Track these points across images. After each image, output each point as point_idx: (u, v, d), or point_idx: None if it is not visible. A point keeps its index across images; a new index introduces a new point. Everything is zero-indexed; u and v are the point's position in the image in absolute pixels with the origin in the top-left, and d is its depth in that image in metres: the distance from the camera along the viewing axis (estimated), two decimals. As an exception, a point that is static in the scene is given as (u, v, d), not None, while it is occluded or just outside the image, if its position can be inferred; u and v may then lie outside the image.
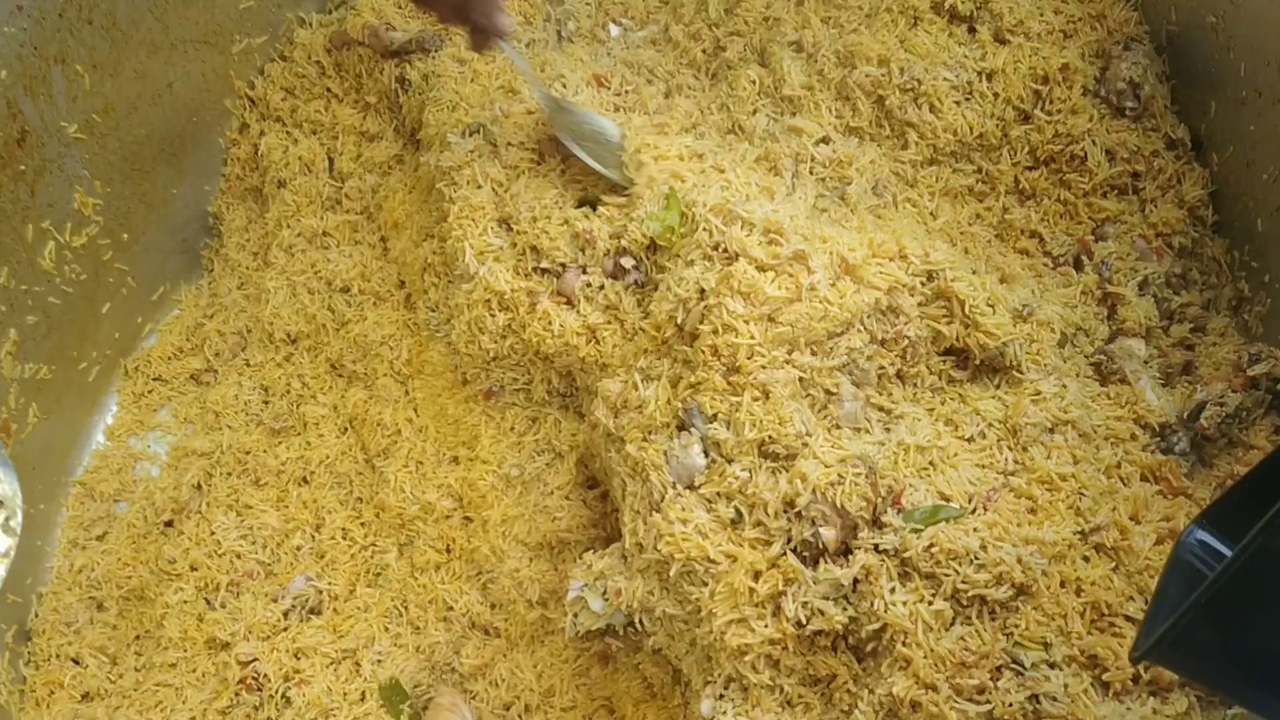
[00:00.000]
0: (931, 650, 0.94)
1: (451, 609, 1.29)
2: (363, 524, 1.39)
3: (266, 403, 1.51)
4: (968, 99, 1.22)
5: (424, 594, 1.31)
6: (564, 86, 1.34)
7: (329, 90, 1.54)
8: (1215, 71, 1.16)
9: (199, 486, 1.44)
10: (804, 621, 0.98)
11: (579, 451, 1.25)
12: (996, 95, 1.22)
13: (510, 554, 1.25)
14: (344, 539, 1.38)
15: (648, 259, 1.18)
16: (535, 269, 1.21)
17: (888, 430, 1.05)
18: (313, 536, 1.40)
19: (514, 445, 1.27)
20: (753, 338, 1.04)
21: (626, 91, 1.37)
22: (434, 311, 1.33)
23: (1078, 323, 1.13)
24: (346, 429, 1.44)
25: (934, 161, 1.24)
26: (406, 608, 1.31)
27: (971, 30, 1.24)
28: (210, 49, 1.50)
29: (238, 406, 1.51)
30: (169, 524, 1.43)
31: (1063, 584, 0.96)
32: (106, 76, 1.39)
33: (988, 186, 1.25)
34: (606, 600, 1.08)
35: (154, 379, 1.56)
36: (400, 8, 1.51)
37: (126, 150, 1.46)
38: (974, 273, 1.11)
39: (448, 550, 1.31)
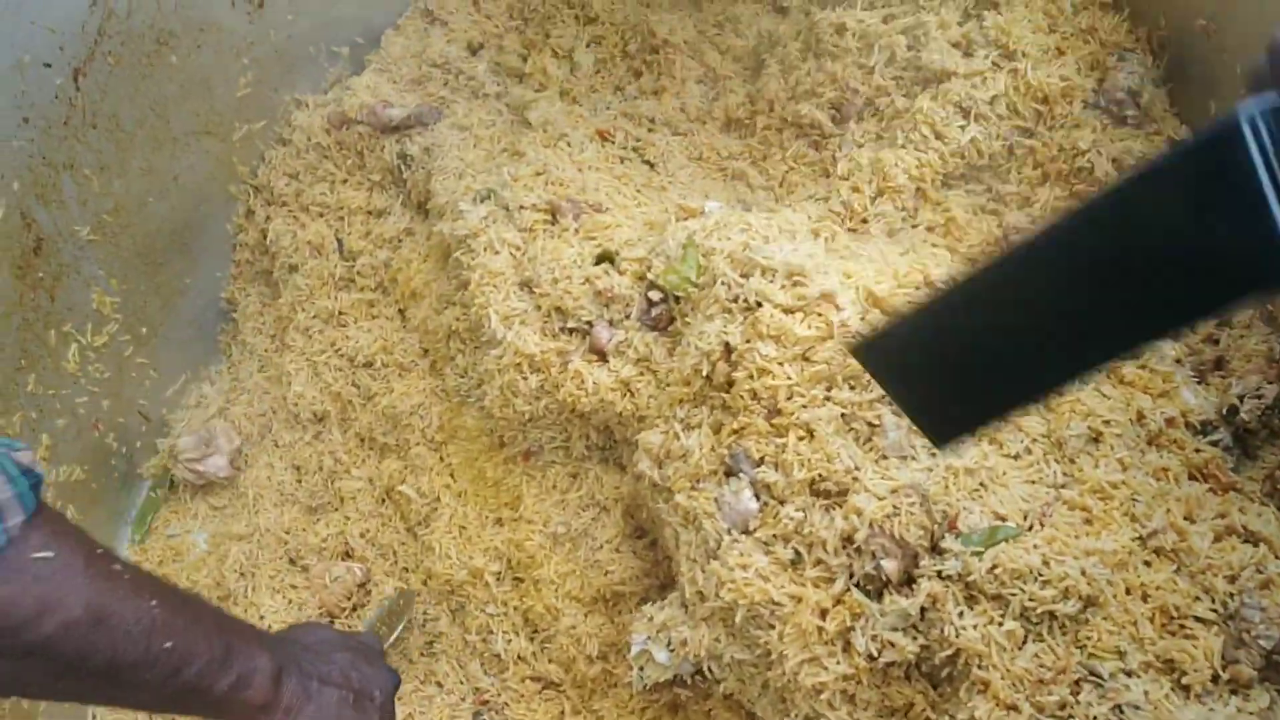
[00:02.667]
0: (1008, 670, 0.94)
1: (510, 668, 1.29)
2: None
3: (300, 481, 1.51)
4: (974, 121, 1.23)
5: (480, 658, 1.31)
6: (569, 144, 1.36)
7: (332, 172, 1.55)
8: (1210, 72, 1.18)
9: (242, 573, 1.44)
10: (876, 654, 0.98)
11: (624, 503, 1.25)
12: (1000, 117, 1.24)
13: (565, 611, 1.25)
14: (393, 613, 1.39)
15: (673, 304, 1.19)
16: (562, 329, 1.22)
17: (933, 455, 1.06)
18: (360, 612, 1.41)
19: (558, 503, 1.28)
20: (790, 379, 1.05)
21: (632, 146, 1.38)
22: (463, 378, 1.34)
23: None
24: (384, 500, 1.45)
25: (946, 185, 1.25)
26: (465, 673, 1.32)
27: (968, 55, 1.26)
28: (212, 138, 1.52)
29: (271, 488, 1.52)
30: (216, 614, 1.43)
31: (1128, 591, 0.97)
32: (114, 177, 1.40)
33: (999, 204, 1.26)
34: (672, 651, 1.09)
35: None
36: (395, 84, 1.53)
37: (139, 246, 1.47)
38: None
39: (502, 612, 1.31)
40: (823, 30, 1.36)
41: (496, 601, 1.31)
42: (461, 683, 1.33)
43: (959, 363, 0.73)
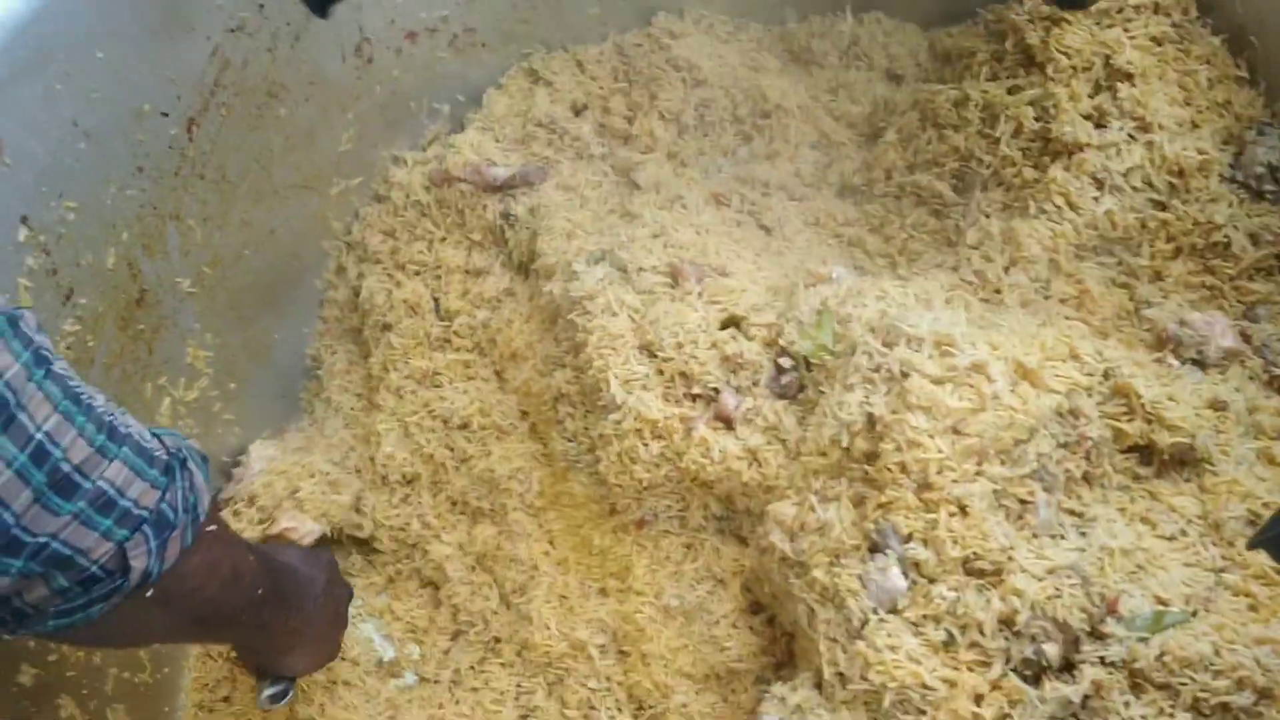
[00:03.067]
0: (1183, 764, 0.90)
1: (616, 750, 1.24)
2: (504, 665, 1.34)
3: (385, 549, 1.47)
4: (1108, 193, 1.21)
5: (582, 736, 1.26)
6: (684, 208, 1.34)
7: (430, 230, 1.52)
8: (1353, 146, 1.17)
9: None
10: (1035, 745, 0.94)
11: (742, 577, 1.21)
12: (1134, 189, 1.21)
13: (676, 689, 1.20)
14: (486, 686, 1.34)
15: (804, 371, 1.16)
16: (686, 395, 1.19)
17: (1083, 534, 1.02)
18: (450, 686, 1.36)
19: (672, 575, 1.24)
20: (940, 452, 1.01)
21: (748, 210, 1.36)
22: (572, 442, 1.30)
23: (1254, 408, 1.11)
24: (474, 568, 1.40)
25: (1079, 257, 1.23)
26: (565, 753, 1.27)
27: (1100, 126, 1.24)
28: (310, 193, 1.50)
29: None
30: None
31: (1302, 684, 0.93)
32: (215, 229, 1.38)
33: (1131, 278, 1.24)
34: (808, 735, 1.04)
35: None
36: (498, 142, 1.51)
37: (233, 299, 1.45)
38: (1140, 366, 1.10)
39: (605, 687, 1.26)
40: (942, 102, 1.35)
41: (600, 676, 1.26)
42: (560, 759, 1.28)
43: None
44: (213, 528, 0.88)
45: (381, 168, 1.56)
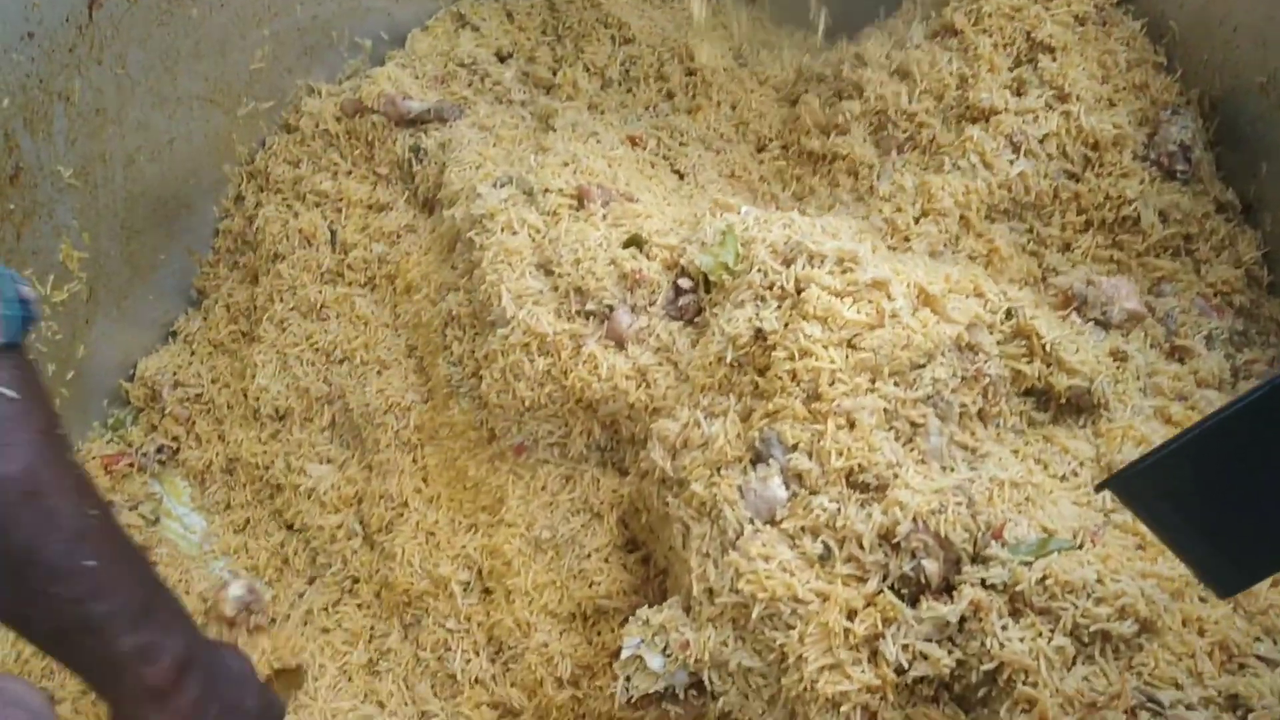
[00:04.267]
0: (1057, 689, 0.84)
1: (464, 691, 1.15)
2: (360, 606, 1.25)
3: (244, 484, 1.39)
4: (1023, 157, 1.20)
5: (432, 679, 1.17)
6: (598, 142, 1.30)
7: (336, 162, 1.47)
8: (1265, 132, 1.17)
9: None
10: (906, 666, 0.88)
11: (620, 509, 1.14)
12: (1049, 156, 1.21)
13: (539, 627, 1.13)
14: (339, 627, 1.25)
15: (703, 293, 1.11)
16: (580, 311, 1.14)
17: (974, 469, 0.98)
18: (300, 627, 1.26)
19: (546, 505, 1.16)
20: (834, 363, 0.97)
21: (663, 155, 1.33)
22: (456, 366, 1.24)
23: (1154, 370, 1.09)
24: (338, 508, 1.32)
25: (990, 218, 1.21)
26: (412, 694, 1.17)
27: (1019, 95, 1.24)
28: (215, 108, 1.44)
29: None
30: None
31: (1184, 623, 0.88)
32: (109, 122, 1.31)
33: (1041, 246, 1.22)
34: (669, 656, 0.96)
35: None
36: (417, 79, 1.48)
37: (118, 205, 1.37)
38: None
39: (464, 628, 1.18)
40: (864, 69, 1.34)
41: (459, 615, 1.18)
42: (406, 704, 1.18)
43: (1239, 501, 0.68)
44: (7, 391, 0.72)
45: (295, 96, 1.51)
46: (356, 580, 1.27)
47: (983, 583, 0.89)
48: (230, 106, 1.46)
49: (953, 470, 0.97)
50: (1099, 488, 0.74)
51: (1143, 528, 0.94)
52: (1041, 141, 1.21)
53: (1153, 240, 1.20)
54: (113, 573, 0.76)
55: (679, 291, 1.12)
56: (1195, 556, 0.72)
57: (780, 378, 0.98)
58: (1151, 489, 0.70)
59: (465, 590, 1.19)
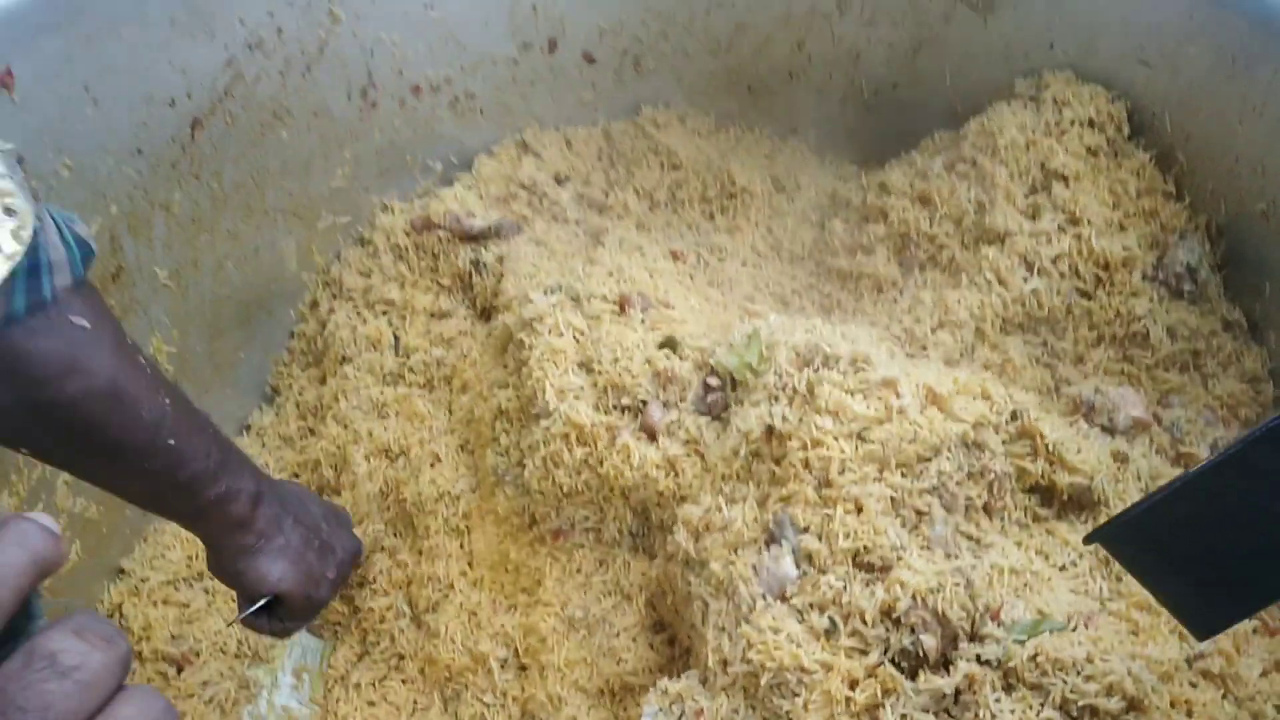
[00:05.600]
0: (1046, 761, 0.89)
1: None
2: (405, 681, 1.32)
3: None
4: (1036, 275, 1.28)
5: (468, 752, 1.24)
6: (643, 255, 1.42)
7: (404, 273, 1.60)
8: (1268, 254, 1.24)
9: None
10: (904, 736, 0.93)
11: (649, 592, 1.21)
12: (1062, 275, 1.29)
13: (569, 701, 1.19)
14: (385, 701, 1.32)
15: (730, 391, 1.20)
16: (616, 406, 1.23)
17: (976, 557, 1.04)
18: (347, 696, 1.33)
19: (580, 586, 1.24)
20: (843, 453, 1.05)
21: (701, 268, 1.44)
22: (503, 456, 1.33)
23: (1156, 474, 1.14)
24: (388, 591, 1.40)
25: (1005, 331, 1.29)
26: (448, 766, 1.23)
27: (1033, 220, 1.32)
28: (298, 221, 1.58)
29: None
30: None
31: (1173, 704, 0.92)
32: (203, 231, 1.46)
33: (1054, 359, 1.29)
34: (684, 724, 1.02)
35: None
36: (482, 198, 1.61)
37: (206, 307, 1.51)
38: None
39: (499, 702, 1.24)
40: (889, 196, 1.45)
41: (496, 690, 1.25)
42: (443, 775, 1.25)
43: (1216, 549, 0.74)
44: (81, 322, 0.86)
45: (369, 212, 1.65)
46: (402, 657, 1.34)
47: (978, 658, 0.94)
48: (311, 220, 1.60)
49: (956, 559, 1.03)
50: (1087, 540, 0.80)
51: (1135, 614, 1.00)
52: (1054, 261, 1.29)
53: (1161, 355, 1.26)
54: (190, 445, 0.98)
55: (708, 389, 1.21)
56: (1176, 601, 0.78)
57: (794, 465, 1.06)
58: (1135, 539, 0.77)
59: (503, 666, 1.25)
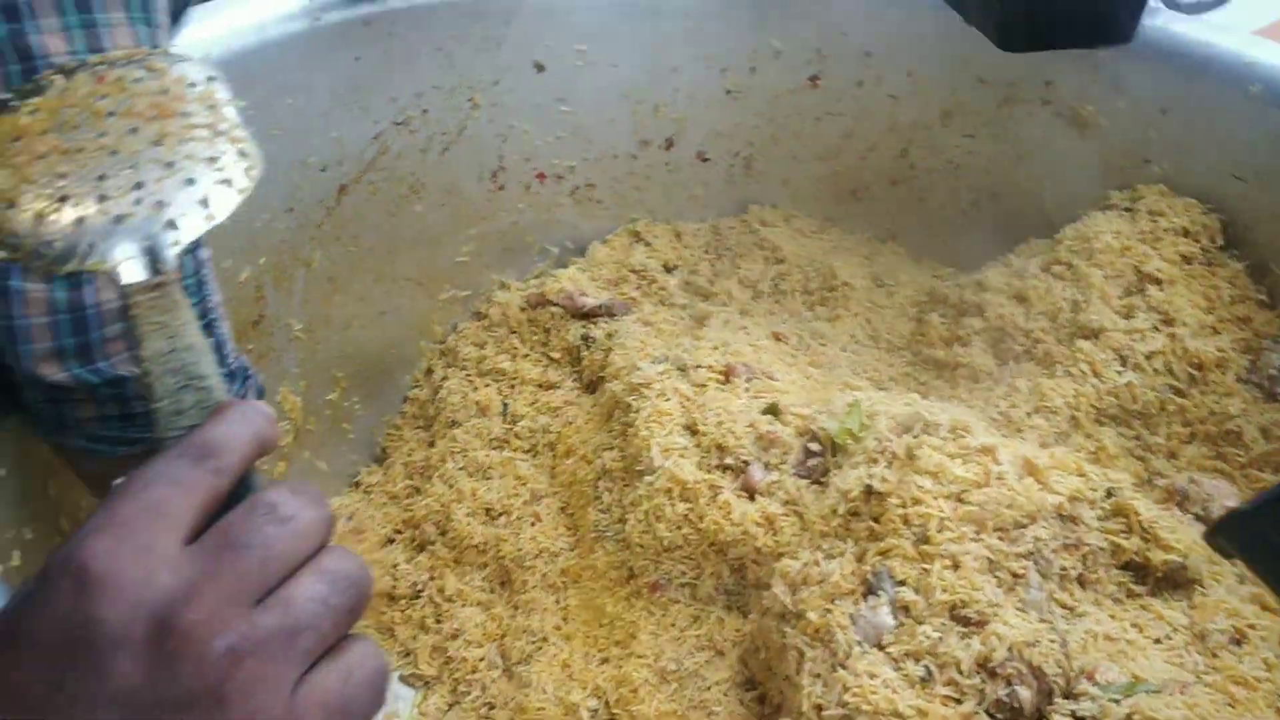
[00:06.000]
0: (1139, 814, 0.90)
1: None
2: (494, 731, 1.36)
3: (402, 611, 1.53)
4: (1131, 370, 1.33)
5: (553, 799, 1.26)
6: (747, 334, 1.49)
7: (516, 346, 1.69)
8: (1361, 363, 1.28)
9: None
10: (997, 784, 0.95)
11: (742, 649, 1.25)
12: (1156, 372, 1.33)
13: (658, 751, 1.21)
14: (471, 747, 1.35)
15: (830, 457, 1.25)
16: (719, 465, 1.29)
17: (1071, 624, 1.06)
18: (435, 743, 1.37)
19: (674, 640, 1.28)
20: (942, 512, 1.09)
21: (803, 350, 1.51)
22: (605, 513, 1.39)
23: (1250, 561, 1.16)
24: (481, 643, 1.45)
25: (1099, 422, 1.33)
26: (533, 811, 1.26)
27: (1128, 318, 1.38)
28: (421, 291, 1.69)
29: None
30: None
31: (1271, 773, 0.94)
32: (337, 290, 1.56)
33: (1147, 453, 1.33)
34: (776, 768, 1.05)
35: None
36: (594, 280, 1.71)
37: (332, 362, 1.61)
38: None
39: (587, 750, 1.27)
40: (985, 294, 1.51)
41: (585, 740, 1.28)
42: (527, 822, 1.27)
43: None
44: None
45: (488, 287, 1.75)
46: (493, 706, 1.38)
47: (1073, 715, 0.96)
48: (434, 291, 1.70)
49: (1051, 621, 1.06)
50: (1206, 535, 0.79)
51: (1232, 688, 1.01)
52: (1149, 358, 1.34)
53: (1255, 454, 1.29)
54: None
55: (808, 454, 1.26)
56: None
57: (892, 522, 1.10)
58: (1254, 532, 0.75)
59: (593, 716, 1.28)
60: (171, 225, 0.67)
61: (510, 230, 1.73)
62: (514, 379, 1.67)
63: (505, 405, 1.65)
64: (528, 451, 1.60)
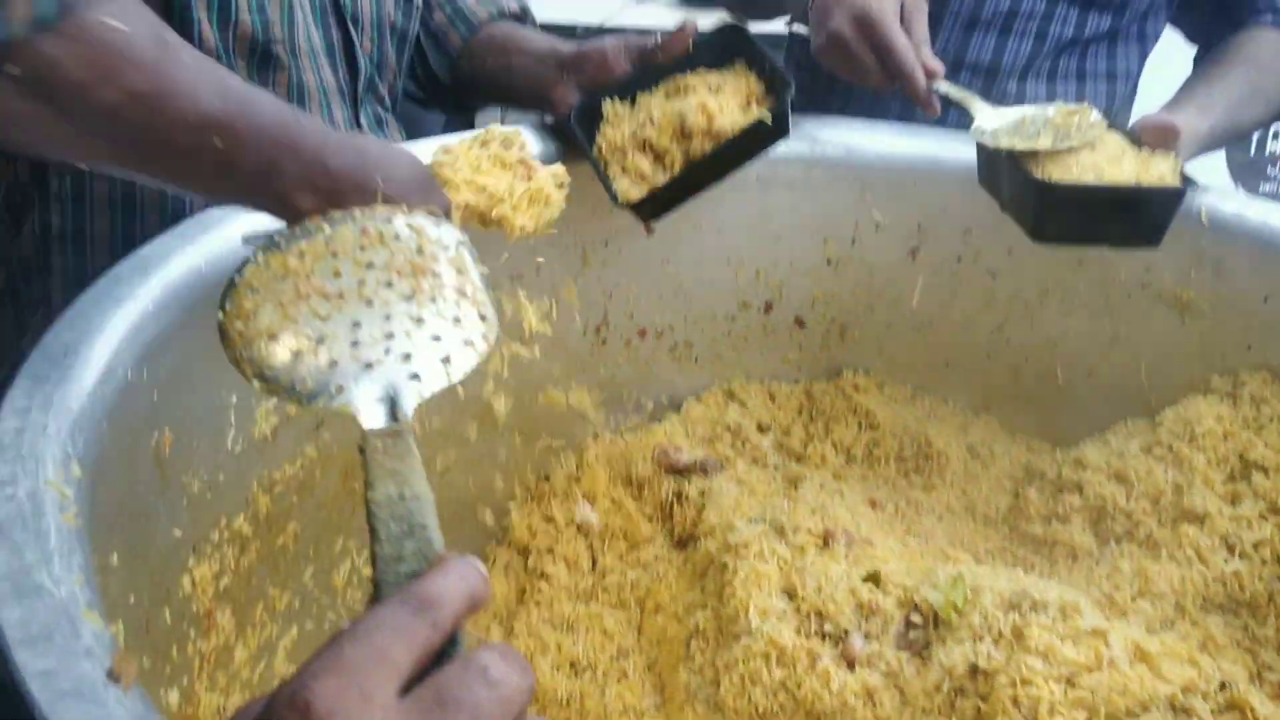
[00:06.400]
0: None
1: None
2: None
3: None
4: (1238, 558, 1.32)
5: None
6: (842, 498, 1.50)
7: (609, 498, 1.71)
8: None
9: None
10: None
11: (837, 824, 1.22)
12: (1264, 561, 1.31)
13: None
14: None
15: (932, 629, 1.24)
16: (818, 632, 1.28)
17: (1185, 820, 1.03)
18: None
19: (766, 810, 1.25)
20: (1053, 694, 1.07)
21: (899, 518, 1.51)
22: (697, 674, 1.38)
23: (1371, 766, 1.12)
24: (562, 805, 1.43)
25: (1205, 610, 1.31)
26: None
27: (1233, 505, 1.37)
28: (520, 438, 1.71)
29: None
30: None
31: None
32: (438, 434, 1.60)
33: (1255, 645, 1.30)
34: None
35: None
36: (688, 436, 1.73)
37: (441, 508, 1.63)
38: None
39: None
40: (1084, 471, 1.51)
41: None
42: None
43: None
44: (115, 25, 0.80)
45: (581, 439, 1.78)
46: None
47: None
48: (531, 439, 1.73)
49: (1165, 818, 1.03)
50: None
51: None
52: (1255, 547, 1.32)
53: (1367, 650, 1.26)
54: (239, 149, 0.90)
55: (910, 625, 1.25)
56: None
57: (1001, 702, 1.08)
58: None
59: None
60: (415, 377, 0.71)
61: (608, 383, 1.76)
62: (604, 533, 1.68)
63: (594, 559, 1.66)
64: (615, 605, 1.60)
